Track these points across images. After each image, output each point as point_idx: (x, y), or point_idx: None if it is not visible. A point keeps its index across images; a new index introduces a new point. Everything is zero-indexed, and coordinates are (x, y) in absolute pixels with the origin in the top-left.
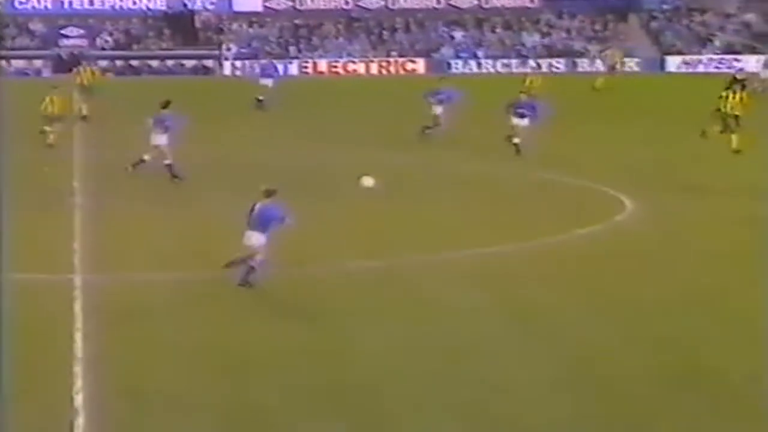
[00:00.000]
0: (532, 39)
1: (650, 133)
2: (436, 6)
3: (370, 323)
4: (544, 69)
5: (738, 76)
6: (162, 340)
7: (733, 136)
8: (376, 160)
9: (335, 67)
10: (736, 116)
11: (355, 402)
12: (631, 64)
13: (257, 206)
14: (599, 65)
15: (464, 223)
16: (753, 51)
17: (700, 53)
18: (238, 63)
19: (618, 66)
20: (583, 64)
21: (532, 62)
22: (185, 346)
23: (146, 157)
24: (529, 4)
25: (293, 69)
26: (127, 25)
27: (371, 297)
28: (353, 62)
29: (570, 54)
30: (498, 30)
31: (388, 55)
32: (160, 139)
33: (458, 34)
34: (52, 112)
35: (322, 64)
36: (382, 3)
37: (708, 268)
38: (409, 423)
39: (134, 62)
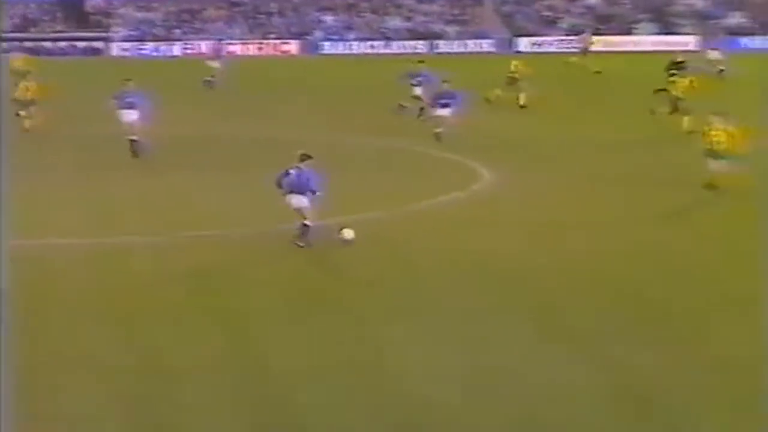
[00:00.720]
0: (395, 23)
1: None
2: None
3: (263, 285)
4: (407, 50)
5: (678, 59)
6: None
7: (685, 118)
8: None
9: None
10: (680, 98)
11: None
12: (485, 45)
13: (293, 171)
14: (456, 47)
15: (342, 192)
16: (595, 32)
17: (548, 35)
18: (125, 45)
19: (589, 47)
20: (443, 46)
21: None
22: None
23: (134, 137)
24: None
25: (177, 50)
26: (24, 10)
27: (266, 260)
28: (232, 44)
29: (431, 36)
30: (365, 14)
31: (265, 38)
32: (130, 116)
33: (329, 18)
34: (26, 97)
35: (203, 46)
36: None
37: (544, 231)
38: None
39: (29, 44)
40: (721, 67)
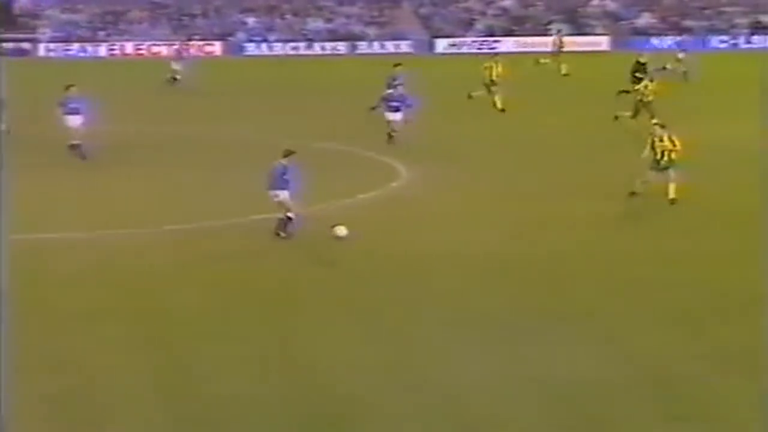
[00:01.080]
0: (316, 24)
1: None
2: None
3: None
4: (328, 52)
5: (641, 59)
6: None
7: (637, 118)
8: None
9: (140, 49)
10: (648, 102)
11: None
12: (404, 47)
13: (275, 165)
14: (375, 48)
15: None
16: (510, 33)
17: (464, 36)
18: (52, 45)
19: (562, 48)
20: (363, 47)
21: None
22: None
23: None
24: None
25: (102, 51)
26: None
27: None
28: (156, 45)
29: (351, 38)
30: (287, 16)
31: (189, 39)
32: (75, 121)
33: (251, 20)
34: None
35: (128, 47)
36: None
37: (455, 225)
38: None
39: None
40: (684, 69)
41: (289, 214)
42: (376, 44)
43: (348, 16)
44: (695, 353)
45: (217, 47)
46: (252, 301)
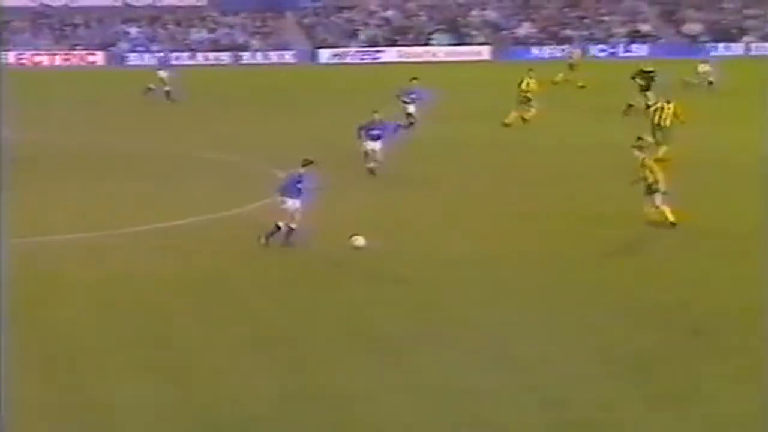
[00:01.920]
0: (200, 35)
1: (308, 118)
2: (114, 4)
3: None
4: (211, 62)
5: (645, 68)
6: None
7: (663, 148)
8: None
9: (22, 59)
10: (666, 128)
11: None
12: (287, 57)
13: (291, 172)
14: (259, 58)
15: (147, 200)
16: (393, 44)
17: (347, 46)
18: None
19: (576, 63)
20: (246, 57)
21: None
22: None
23: None
24: (196, 3)
25: None
26: None
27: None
28: (39, 55)
29: (234, 48)
30: (169, 26)
31: (72, 49)
32: None
33: (133, 30)
34: None
35: (11, 57)
36: (65, 1)
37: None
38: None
39: None
40: (711, 79)
41: (293, 225)
42: (259, 55)
43: (231, 27)
44: None
45: (99, 57)
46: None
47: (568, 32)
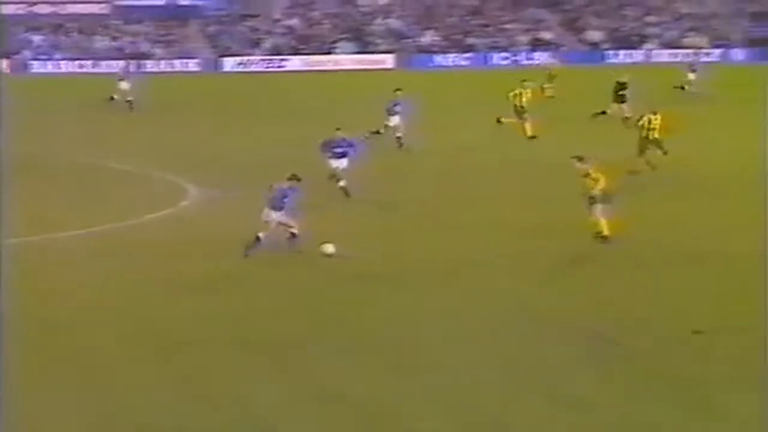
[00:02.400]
0: (103, 43)
1: (221, 127)
2: (18, 12)
3: None
4: (115, 70)
5: (621, 79)
6: None
7: (641, 159)
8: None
9: None
10: (656, 139)
11: None
12: (191, 65)
13: (275, 187)
14: (163, 66)
15: (56, 209)
16: (297, 52)
17: (252, 54)
18: None
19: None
20: (150, 65)
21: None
22: None
23: None
24: (99, 11)
25: None
26: None
27: None
28: None
29: (138, 56)
30: (73, 34)
31: None
32: None
33: (37, 38)
34: None
35: None
36: None
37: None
38: None
39: None
40: (696, 90)
41: (293, 231)
42: (163, 63)
43: (135, 35)
44: None
45: (2, 65)
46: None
47: (471, 40)
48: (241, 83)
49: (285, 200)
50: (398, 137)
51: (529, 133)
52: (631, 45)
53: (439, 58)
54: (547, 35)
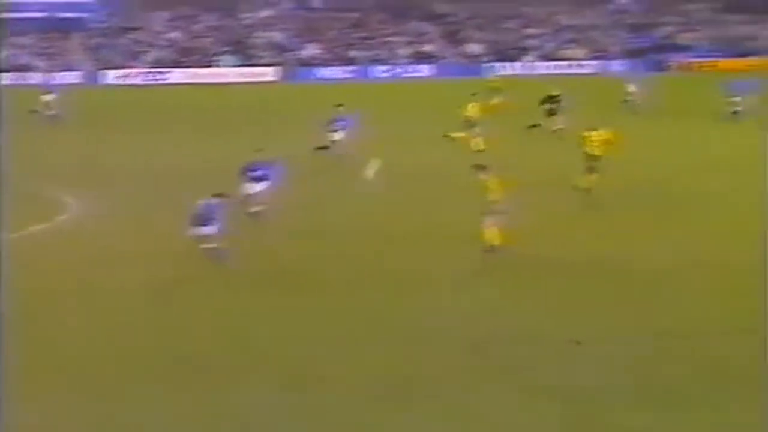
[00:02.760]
0: None
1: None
2: None
3: None
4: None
5: (553, 93)
6: None
7: (592, 176)
8: None
9: None
10: (598, 157)
11: None
12: (72, 78)
13: (201, 204)
14: (44, 79)
15: None
16: (179, 65)
17: (133, 66)
18: None
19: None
20: (33, 78)
21: None
22: None
23: None
24: None
25: None
26: None
27: None
28: None
29: (19, 69)
30: None
31: None
32: None
33: None
34: None
35: None
36: None
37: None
38: None
39: None
40: (638, 101)
41: (215, 245)
42: (44, 76)
43: (19, 47)
44: None
45: None
46: None
47: (353, 53)
48: (122, 96)
49: (212, 215)
50: (338, 152)
51: (481, 147)
52: (510, 57)
53: (322, 71)
54: (428, 48)
